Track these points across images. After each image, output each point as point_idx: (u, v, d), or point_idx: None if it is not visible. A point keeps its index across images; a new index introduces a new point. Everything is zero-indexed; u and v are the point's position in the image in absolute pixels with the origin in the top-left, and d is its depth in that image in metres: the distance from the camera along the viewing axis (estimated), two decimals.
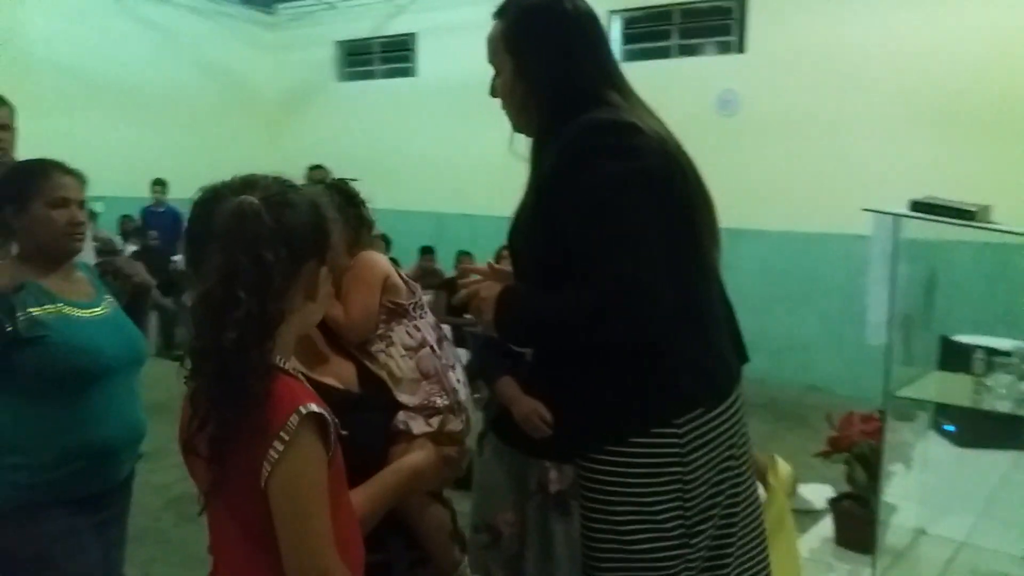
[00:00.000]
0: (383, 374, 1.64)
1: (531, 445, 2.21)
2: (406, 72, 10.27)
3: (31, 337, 1.94)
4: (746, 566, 1.69)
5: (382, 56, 10.64)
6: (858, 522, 2.52)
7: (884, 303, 2.25)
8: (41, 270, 2.07)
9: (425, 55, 9.96)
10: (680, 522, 1.59)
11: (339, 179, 2.11)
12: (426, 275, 7.01)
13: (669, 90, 7.91)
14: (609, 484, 1.60)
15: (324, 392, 1.35)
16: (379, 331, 1.70)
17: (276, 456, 1.15)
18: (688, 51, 8.10)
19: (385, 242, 7.81)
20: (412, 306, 1.74)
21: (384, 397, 1.60)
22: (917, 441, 2.93)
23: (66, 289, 2.10)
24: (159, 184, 8.87)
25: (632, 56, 8.45)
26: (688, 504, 1.60)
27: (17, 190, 2.06)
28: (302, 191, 1.31)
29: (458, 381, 1.70)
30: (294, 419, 1.16)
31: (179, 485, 3.85)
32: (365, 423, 1.48)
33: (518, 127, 1.74)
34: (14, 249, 2.18)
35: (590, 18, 1.71)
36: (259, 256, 1.17)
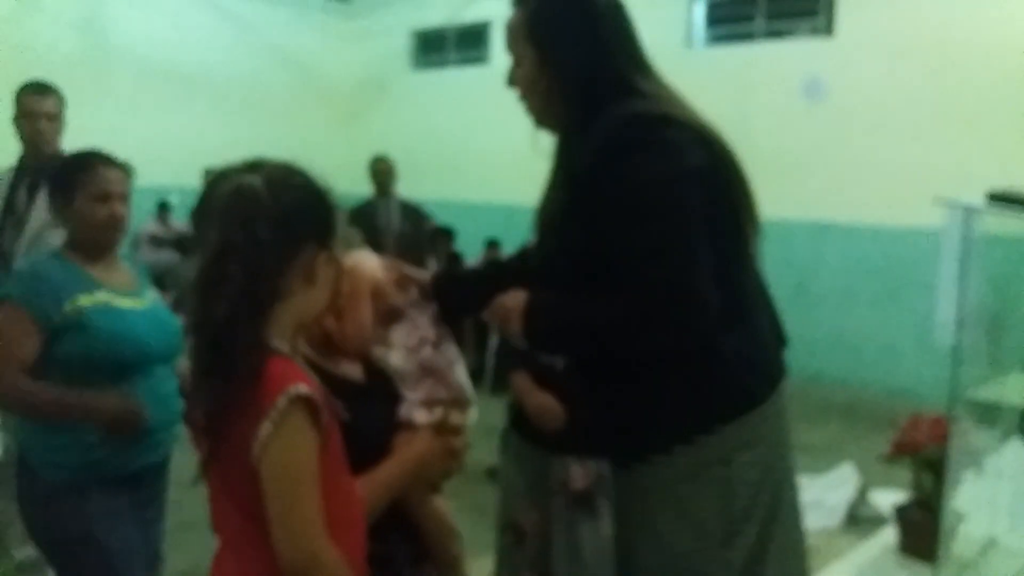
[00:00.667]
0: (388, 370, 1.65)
1: (553, 441, 2.13)
2: (480, 60, 10.25)
3: (78, 325, 2.05)
4: (785, 565, 1.64)
5: (456, 45, 10.65)
6: (923, 529, 2.40)
7: (954, 302, 2.12)
8: (87, 259, 2.20)
9: (499, 44, 9.93)
10: (722, 522, 1.55)
11: None
12: None
13: (753, 75, 7.77)
14: (651, 486, 1.57)
15: (332, 381, 1.35)
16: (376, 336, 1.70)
17: (265, 436, 1.17)
18: (774, 34, 7.86)
19: (449, 235, 7.84)
20: (409, 304, 1.72)
21: (390, 388, 1.60)
22: (996, 447, 2.78)
23: (110, 279, 2.23)
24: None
25: (716, 40, 8.26)
26: (731, 504, 1.56)
27: (64, 183, 2.19)
28: (311, 177, 1.32)
29: (461, 376, 1.68)
30: (282, 400, 1.18)
31: None
32: (371, 413, 1.48)
33: (540, 121, 1.69)
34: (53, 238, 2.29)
35: (615, 3, 1.66)
36: (253, 234, 1.20)
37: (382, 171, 5.87)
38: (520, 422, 2.35)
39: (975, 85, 6.33)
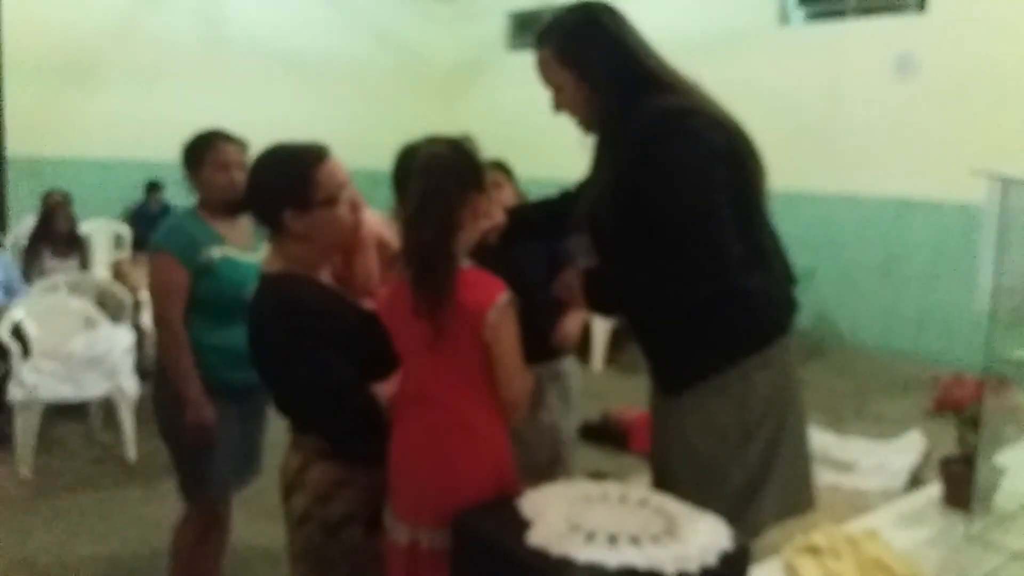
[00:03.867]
0: None
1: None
2: None
3: (208, 271, 2.55)
4: (790, 468, 2.06)
5: None
6: (964, 482, 2.56)
7: (991, 268, 2.29)
8: (213, 217, 2.69)
9: None
10: (739, 429, 1.96)
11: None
12: None
13: (845, 52, 7.77)
14: (686, 405, 1.99)
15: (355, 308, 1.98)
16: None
17: (494, 322, 1.75)
18: (866, 11, 7.81)
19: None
20: None
21: None
22: None
23: (232, 234, 2.70)
24: (155, 186, 9.38)
25: (808, 17, 8.23)
26: (747, 414, 1.97)
27: (193, 156, 2.67)
28: (468, 144, 1.88)
29: None
30: (502, 298, 1.77)
31: None
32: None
33: (589, 128, 2.06)
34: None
35: (618, 13, 2.02)
36: (444, 184, 1.76)
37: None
38: None
39: None
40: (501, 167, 3.29)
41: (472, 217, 1.81)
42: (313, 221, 1.89)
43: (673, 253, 1.86)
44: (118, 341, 4.76)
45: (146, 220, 9.51)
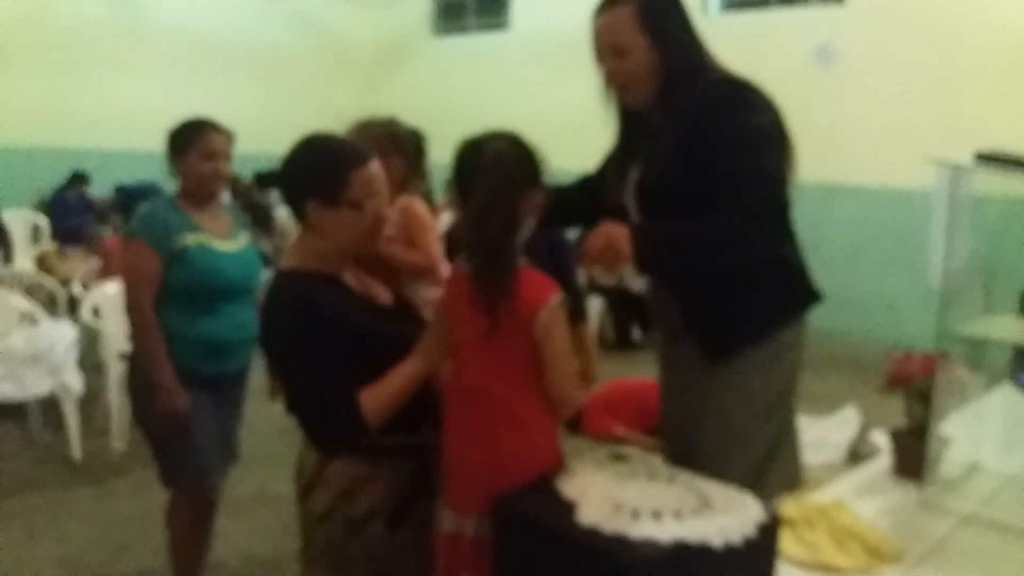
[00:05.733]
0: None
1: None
2: (500, 27, 10.41)
3: (182, 259, 2.53)
4: (795, 443, 2.25)
5: (477, 10, 10.80)
6: (913, 453, 2.69)
7: (942, 250, 2.42)
8: (193, 206, 2.66)
9: (519, 10, 10.10)
10: (766, 400, 2.11)
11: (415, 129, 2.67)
12: None
13: (767, 41, 7.98)
14: (727, 381, 2.09)
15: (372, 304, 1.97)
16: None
17: (546, 321, 1.78)
18: (787, 1, 8.05)
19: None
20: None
21: (416, 313, 2.14)
22: (984, 385, 3.08)
23: (210, 224, 2.67)
24: (79, 177, 9.25)
25: (730, 6, 8.44)
26: (775, 386, 2.13)
27: (179, 143, 2.63)
28: (527, 143, 1.90)
29: None
30: (554, 299, 1.80)
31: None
32: (401, 333, 1.96)
33: (639, 98, 2.07)
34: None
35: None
36: (510, 180, 1.80)
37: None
38: None
39: (982, 51, 6.54)
40: None
41: (530, 213, 1.84)
42: (333, 218, 1.87)
43: (736, 207, 1.92)
44: (60, 337, 4.59)
45: (65, 210, 9.18)
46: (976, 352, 2.78)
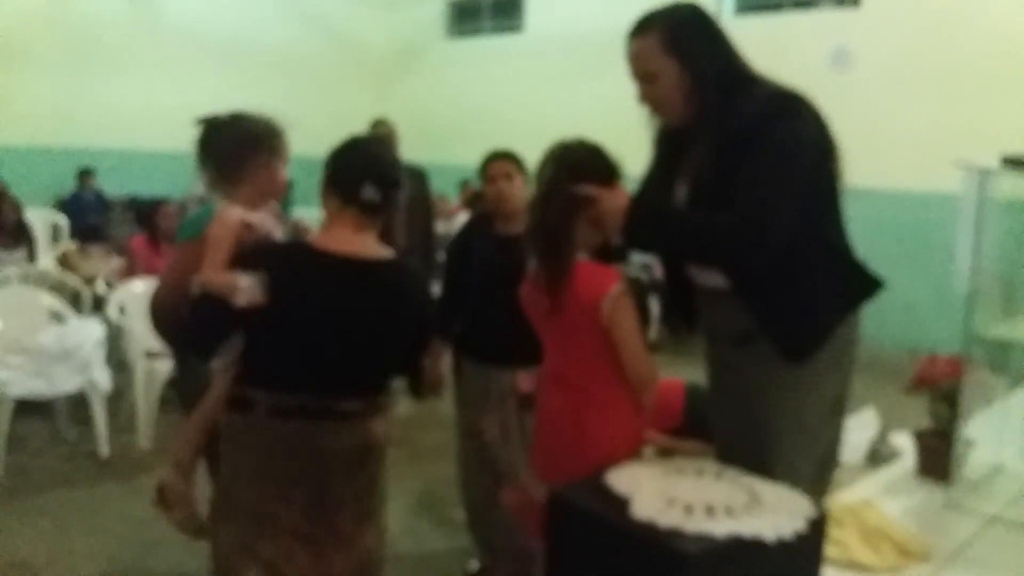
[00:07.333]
0: None
1: (500, 356, 2.95)
2: (513, 29, 10.42)
3: None
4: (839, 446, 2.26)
5: (491, 13, 10.82)
6: (937, 454, 2.72)
7: (970, 253, 2.45)
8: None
9: (533, 11, 10.11)
10: (835, 396, 2.16)
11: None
12: None
13: (781, 45, 7.99)
14: (803, 382, 2.08)
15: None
16: None
17: (611, 307, 1.94)
18: (802, 4, 8.07)
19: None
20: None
21: None
22: (1007, 386, 3.10)
23: None
24: (86, 173, 9.37)
25: (744, 9, 8.46)
26: (842, 383, 2.19)
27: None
28: (597, 145, 2.14)
29: None
30: (617, 287, 1.96)
31: None
32: None
33: (675, 119, 2.11)
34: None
35: (710, 15, 2.14)
36: (577, 173, 2.03)
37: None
38: (469, 344, 3.25)
39: (1000, 55, 6.54)
40: (512, 158, 3.31)
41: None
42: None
43: (741, 209, 1.95)
44: (88, 334, 4.64)
45: (81, 209, 9.26)
46: (999, 354, 2.81)
